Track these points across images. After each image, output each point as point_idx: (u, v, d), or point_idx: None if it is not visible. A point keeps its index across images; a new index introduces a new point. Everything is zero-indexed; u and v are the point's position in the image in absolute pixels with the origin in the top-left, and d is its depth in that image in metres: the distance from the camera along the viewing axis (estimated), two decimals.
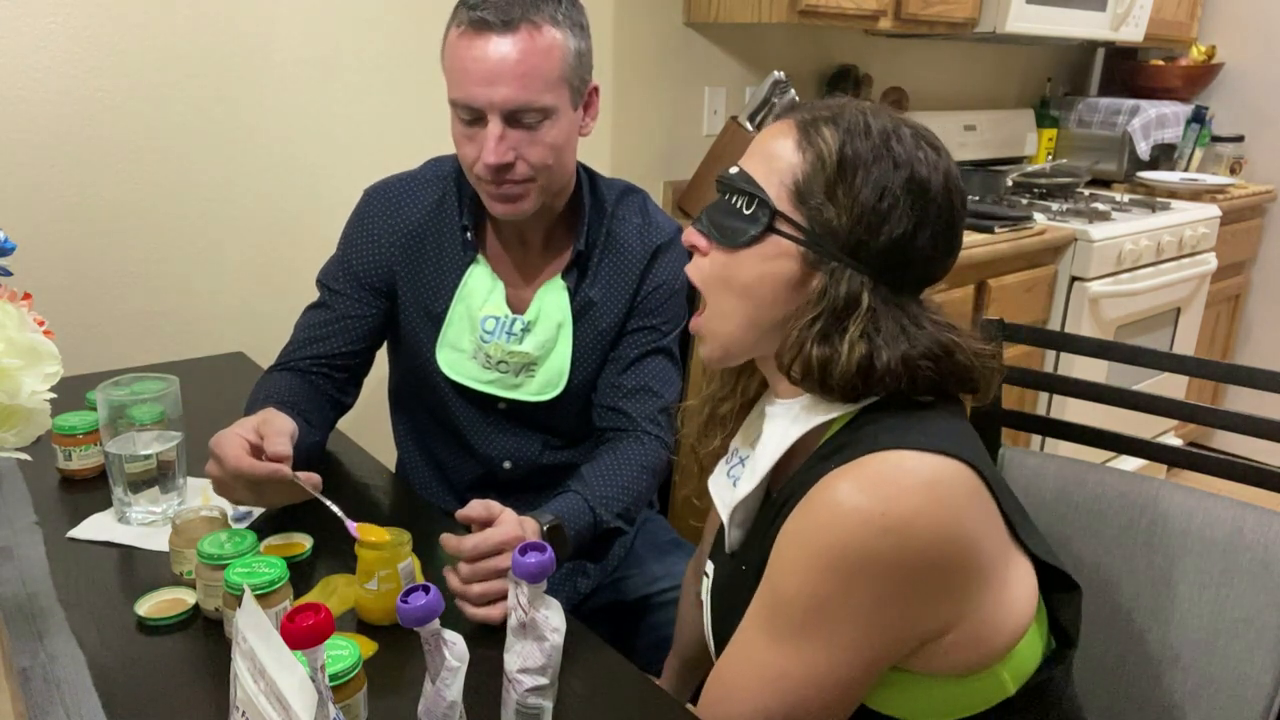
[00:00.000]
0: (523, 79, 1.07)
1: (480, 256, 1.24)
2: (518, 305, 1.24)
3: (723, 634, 0.86)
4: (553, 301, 1.23)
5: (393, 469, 1.31)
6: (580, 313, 1.24)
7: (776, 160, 0.80)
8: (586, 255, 1.25)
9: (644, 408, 1.23)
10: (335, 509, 0.96)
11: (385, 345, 1.33)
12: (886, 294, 0.78)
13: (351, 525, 0.94)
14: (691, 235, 0.85)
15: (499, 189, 1.14)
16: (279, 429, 1.03)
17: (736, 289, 0.82)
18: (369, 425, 1.46)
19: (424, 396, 1.30)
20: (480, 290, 1.23)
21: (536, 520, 1.01)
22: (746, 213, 0.80)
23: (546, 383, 1.23)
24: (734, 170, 0.83)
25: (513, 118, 1.09)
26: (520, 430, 1.28)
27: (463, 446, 1.29)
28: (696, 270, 0.86)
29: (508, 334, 1.21)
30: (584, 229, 1.24)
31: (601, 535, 1.12)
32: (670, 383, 1.27)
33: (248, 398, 1.19)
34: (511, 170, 1.12)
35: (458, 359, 1.23)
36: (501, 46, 1.07)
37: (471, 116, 1.11)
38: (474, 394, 1.24)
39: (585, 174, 1.27)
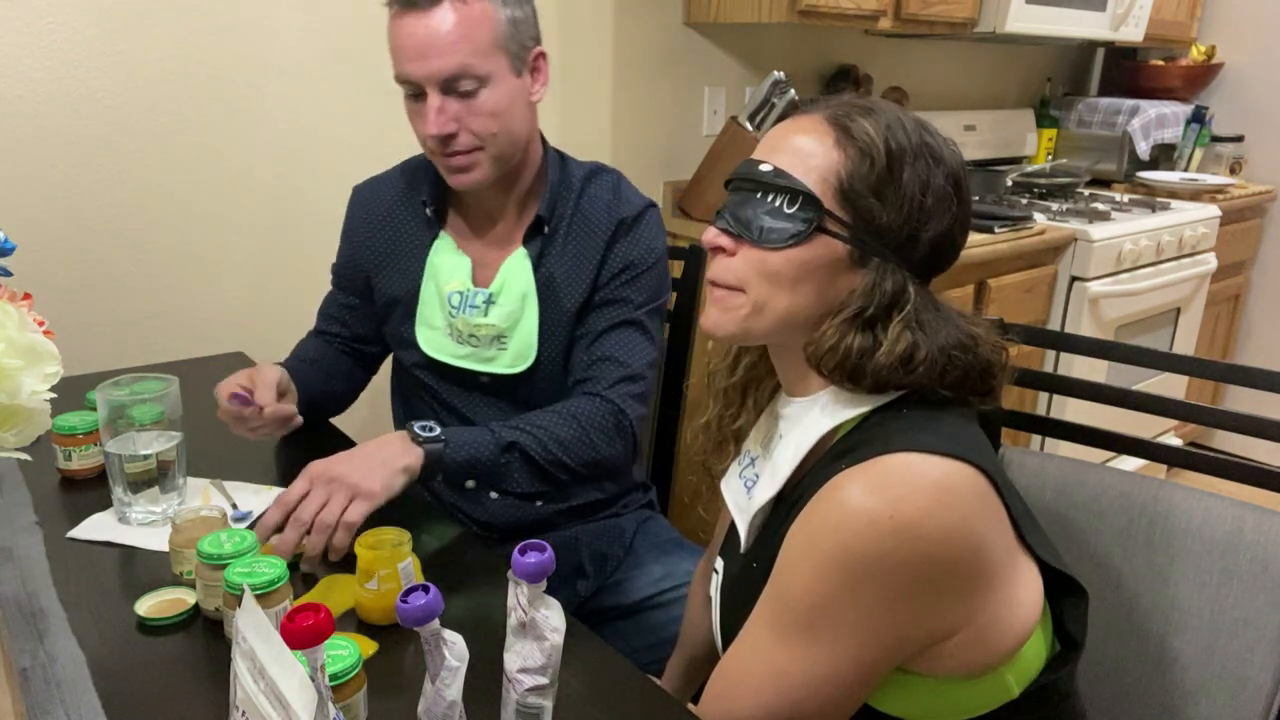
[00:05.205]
0: (450, 49, 1.12)
1: (443, 232, 1.28)
2: (484, 279, 1.26)
3: (731, 632, 0.86)
4: (517, 273, 1.25)
5: None
6: (545, 285, 1.25)
7: (813, 157, 0.79)
8: (553, 227, 1.26)
9: (607, 374, 1.22)
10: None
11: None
12: (919, 285, 0.80)
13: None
14: (717, 237, 0.83)
15: (448, 160, 1.18)
16: (265, 380, 1.16)
17: (782, 285, 0.80)
18: (369, 425, 1.46)
19: (416, 377, 1.32)
20: (446, 266, 1.26)
21: (408, 429, 1.06)
22: (789, 211, 0.79)
23: (518, 355, 1.25)
24: (768, 168, 0.81)
25: (449, 88, 1.14)
26: (504, 405, 1.29)
27: (462, 425, 1.28)
28: (726, 271, 0.82)
29: (471, 307, 1.24)
30: (546, 193, 1.26)
31: (505, 462, 1.12)
32: (637, 351, 1.25)
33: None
34: (455, 140, 1.16)
35: (434, 335, 1.27)
36: (428, 21, 1.12)
37: (413, 92, 1.17)
38: (456, 370, 1.27)
39: (555, 152, 1.31)
